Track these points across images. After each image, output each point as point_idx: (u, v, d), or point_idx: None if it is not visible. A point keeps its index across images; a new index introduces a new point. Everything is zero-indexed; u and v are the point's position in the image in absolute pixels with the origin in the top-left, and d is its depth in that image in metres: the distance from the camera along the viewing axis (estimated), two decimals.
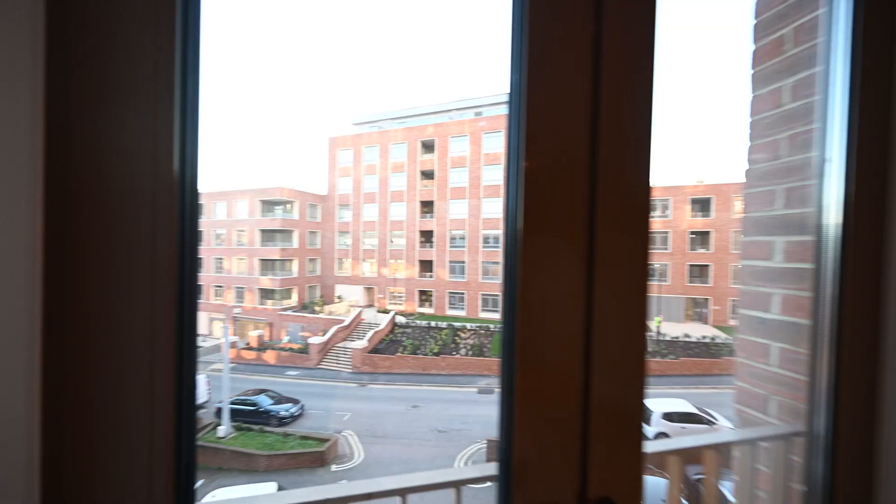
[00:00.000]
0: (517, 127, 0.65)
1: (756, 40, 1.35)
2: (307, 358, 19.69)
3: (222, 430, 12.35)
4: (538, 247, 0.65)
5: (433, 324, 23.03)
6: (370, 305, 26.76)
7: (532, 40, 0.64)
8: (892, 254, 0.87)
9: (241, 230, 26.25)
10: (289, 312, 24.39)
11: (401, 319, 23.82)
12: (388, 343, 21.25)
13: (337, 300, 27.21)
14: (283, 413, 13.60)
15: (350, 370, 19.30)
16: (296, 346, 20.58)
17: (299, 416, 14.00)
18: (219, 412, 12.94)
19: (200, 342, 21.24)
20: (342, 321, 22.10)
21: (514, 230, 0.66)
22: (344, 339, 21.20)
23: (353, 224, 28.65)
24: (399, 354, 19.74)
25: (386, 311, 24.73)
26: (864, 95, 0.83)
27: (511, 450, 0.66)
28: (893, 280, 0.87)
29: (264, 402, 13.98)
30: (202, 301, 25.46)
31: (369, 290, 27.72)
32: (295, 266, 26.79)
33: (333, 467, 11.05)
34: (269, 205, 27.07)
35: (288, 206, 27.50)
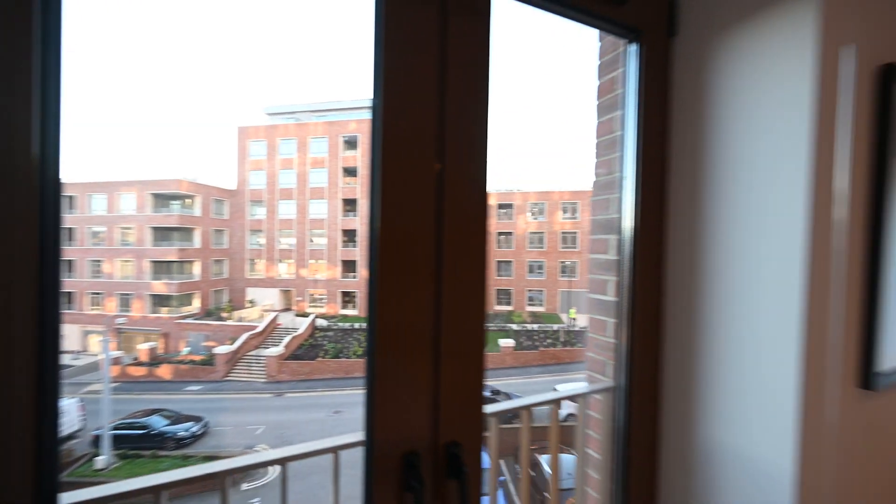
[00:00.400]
0: (376, 144, 0.79)
1: (599, 77, 1.69)
2: (212, 370, 17.81)
3: (101, 460, 10.64)
4: (394, 246, 0.80)
5: (357, 325, 22.47)
6: (287, 309, 25.11)
7: (387, 70, 0.78)
8: (667, 249, 1.20)
9: (126, 227, 22.61)
10: (189, 321, 21.74)
11: (322, 322, 22.81)
12: (307, 348, 20.21)
13: (248, 305, 25.00)
14: (181, 433, 12.15)
15: (264, 379, 17.95)
16: (198, 358, 18.45)
17: (202, 434, 12.66)
18: (97, 440, 11.12)
19: (72, 360, 17.92)
20: (255, 328, 20.41)
21: (375, 231, 0.79)
22: (257, 347, 19.62)
23: (267, 222, 26.57)
24: (320, 359, 18.91)
25: (305, 315, 23.44)
26: (646, 132, 1.14)
27: (374, 413, 0.79)
28: (668, 268, 1.20)
29: (157, 423, 12.35)
30: (75, 311, 21.43)
31: (286, 292, 25.99)
32: (197, 268, 23.94)
33: (244, 486, 10.22)
34: (163, 199, 23.76)
35: (187, 200, 24.44)
